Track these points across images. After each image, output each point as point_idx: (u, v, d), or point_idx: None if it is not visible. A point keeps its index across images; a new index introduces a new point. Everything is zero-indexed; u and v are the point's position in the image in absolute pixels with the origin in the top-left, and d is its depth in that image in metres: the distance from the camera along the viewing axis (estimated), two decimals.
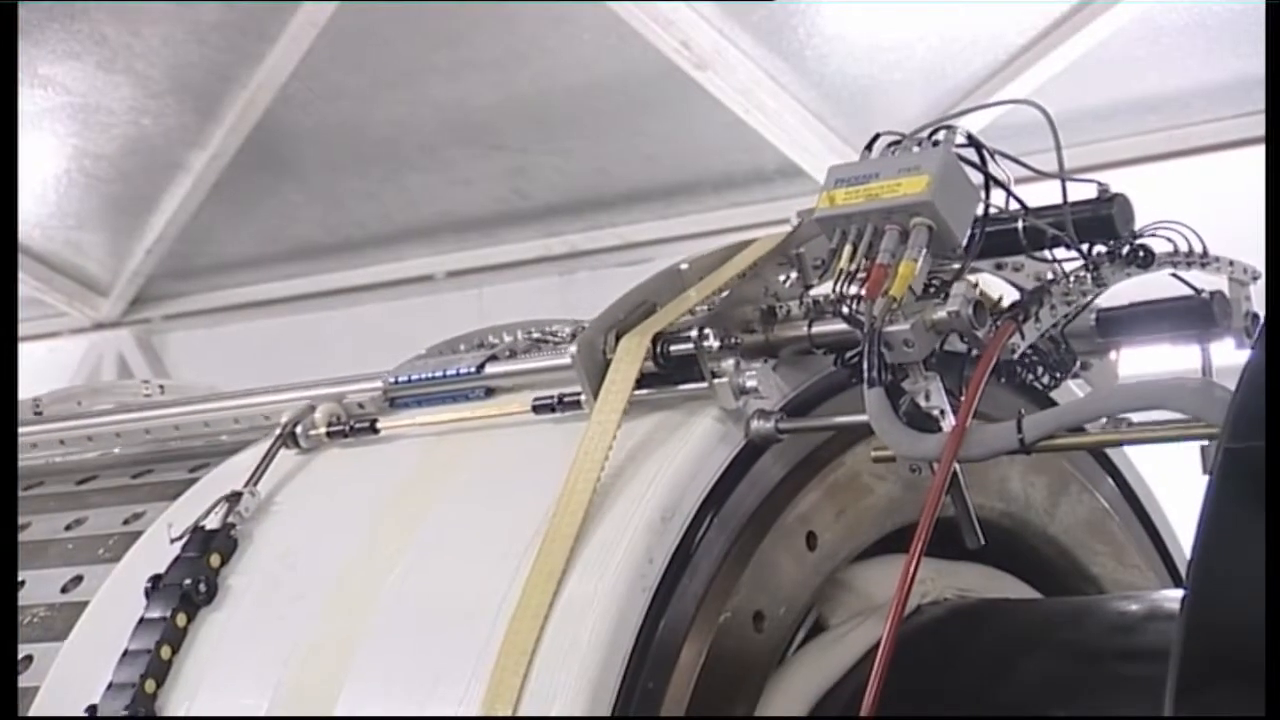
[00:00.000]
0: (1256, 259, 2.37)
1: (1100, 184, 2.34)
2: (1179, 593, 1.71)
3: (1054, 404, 2.44)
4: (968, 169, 2.22)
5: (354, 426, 2.66)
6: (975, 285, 2.25)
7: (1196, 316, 2.41)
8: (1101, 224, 2.32)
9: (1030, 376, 2.43)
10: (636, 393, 2.29)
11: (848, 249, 2.20)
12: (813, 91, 6.60)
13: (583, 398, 2.35)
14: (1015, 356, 2.30)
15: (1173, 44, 6.06)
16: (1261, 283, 2.45)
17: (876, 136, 2.28)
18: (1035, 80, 6.12)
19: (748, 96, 6.56)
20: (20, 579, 2.76)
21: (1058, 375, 2.45)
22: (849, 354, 2.34)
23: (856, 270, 2.18)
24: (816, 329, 2.36)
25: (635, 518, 2.18)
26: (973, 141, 2.22)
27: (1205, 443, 2.01)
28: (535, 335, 2.73)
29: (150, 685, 2.36)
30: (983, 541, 2.29)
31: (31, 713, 2.49)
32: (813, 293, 2.43)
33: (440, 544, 2.35)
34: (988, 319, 2.21)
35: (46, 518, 2.98)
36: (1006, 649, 2.44)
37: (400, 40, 6.70)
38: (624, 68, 6.61)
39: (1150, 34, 6.03)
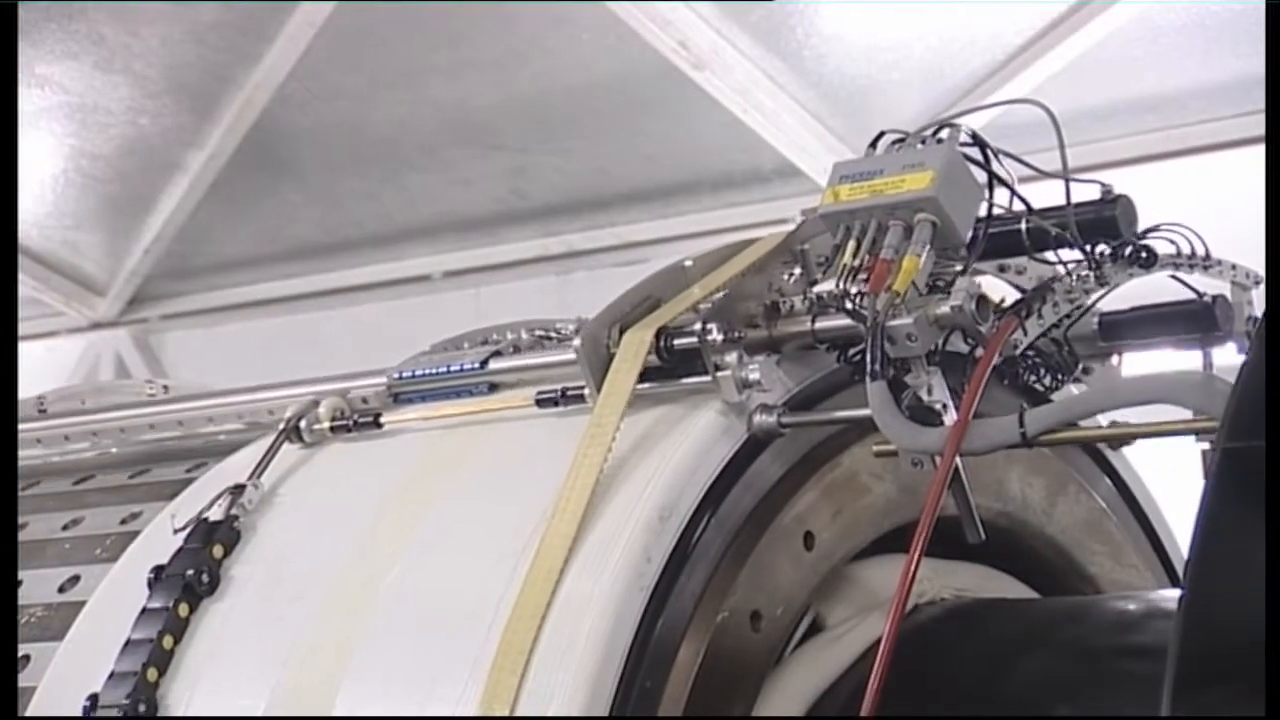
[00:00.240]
0: (1255, 259, 2.37)
1: (1104, 185, 2.35)
2: (1177, 592, 1.71)
3: None
4: (971, 168, 2.23)
5: (358, 421, 2.66)
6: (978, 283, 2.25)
7: (1199, 321, 2.41)
8: (1105, 225, 2.33)
9: (1033, 378, 2.43)
10: (640, 386, 2.30)
11: (851, 244, 2.21)
12: (810, 91, 6.60)
13: (586, 391, 2.36)
14: (1017, 353, 2.30)
15: (1171, 44, 6.06)
16: (1263, 285, 2.46)
17: (881, 135, 2.28)
18: (1033, 80, 6.12)
19: (746, 96, 6.56)
20: (18, 578, 2.76)
21: (1060, 378, 2.45)
22: (852, 351, 2.35)
23: (860, 265, 2.19)
24: (820, 324, 2.36)
25: (633, 516, 2.18)
26: (977, 140, 2.23)
27: (1207, 446, 2.00)
28: (539, 333, 2.74)
29: (152, 674, 2.36)
30: (983, 537, 2.29)
31: (29, 712, 2.49)
32: (816, 289, 2.43)
33: (439, 543, 2.35)
34: (990, 314, 2.21)
35: (44, 517, 2.98)
36: (1004, 648, 2.44)
37: (399, 40, 6.70)
38: (623, 68, 6.61)
39: (1148, 34, 6.03)
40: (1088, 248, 2.33)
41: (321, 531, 2.51)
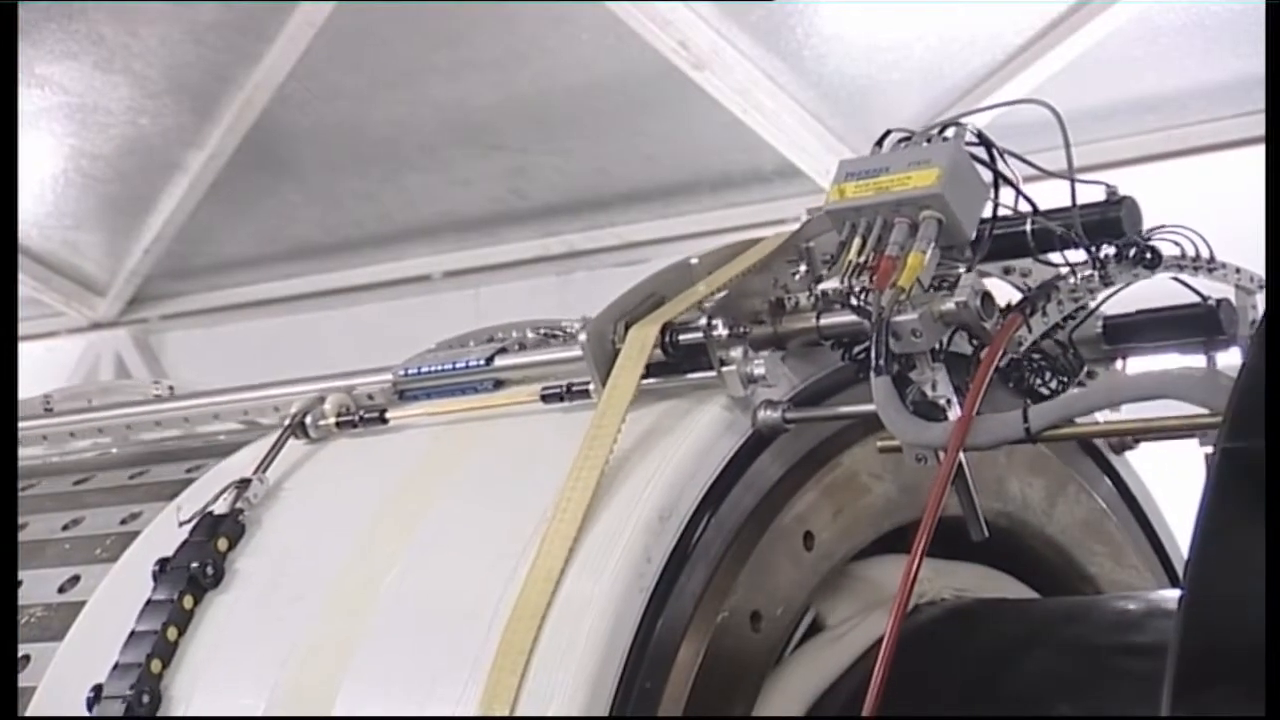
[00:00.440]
0: (1256, 259, 2.37)
1: (1109, 186, 2.35)
2: (1176, 593, 1.71)
3: None
4: (976, 167, 2.23)
5: (363, 417, 2.67)
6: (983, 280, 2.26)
7: (1203, 324, 2.42)
8: (1110, 226, 2.33)
9: (1038, 381, 2.44)
10: (645, 381, 2.30)
11: (857, 241, 2.21)
12: (810, 91, 6.60)
13: (591, 386, 2.36)
14: (1021, 353, 2.30)
15: (1171, 44, 6.06)
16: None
17: (887, 133, 2.28)
18: (1033, 80, 6.12)
19: (745, 96, 6.56)
20: (18, 578, 2.76)
21: (1064, 380, 2.45)
22: (856, 349, 2.35)
23: (865, 262, 2.19)
24: (825, 321, 2.36)
25: (633, 516, 2.18)
26: (983, 139, 2.23)
27: (1210, 450, 2.00)
28: (544, 332, 2.75)
29: (156, 665, 2.36)
30: (987, 534, 2.29)
31: (29, 712, 2.49)
32: (821, 285, 2.43)
33: (440, 542, 2.35)
34: (995, 312, 2.21)
35: (44, 517, 2.98)
36: (1004, 648, 2.44)
37: (399, 40, 6.69)
38: (622, 68, 6.61)
39: (1148, 34, 6.03)
40: (1092, 248, 2.34)
41: (324, 528, 2.51)
